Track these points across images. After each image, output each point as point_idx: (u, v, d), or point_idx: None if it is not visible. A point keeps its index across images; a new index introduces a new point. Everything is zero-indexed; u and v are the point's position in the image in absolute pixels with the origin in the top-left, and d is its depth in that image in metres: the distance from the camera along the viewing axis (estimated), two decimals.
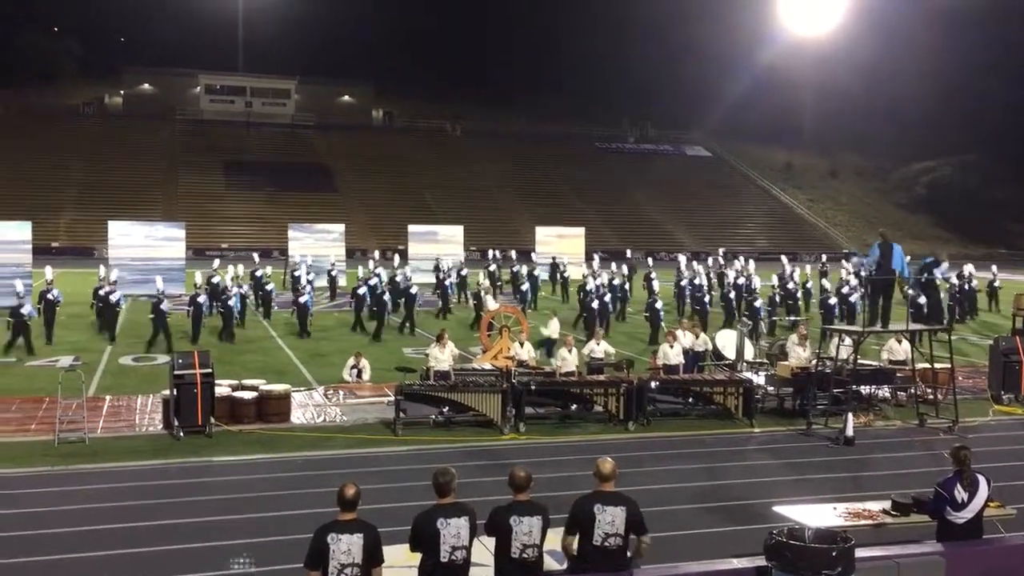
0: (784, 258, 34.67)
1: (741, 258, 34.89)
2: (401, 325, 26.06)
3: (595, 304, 25.59)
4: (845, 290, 27.73)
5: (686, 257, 35.48)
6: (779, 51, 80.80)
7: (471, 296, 27.81)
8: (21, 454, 12.65)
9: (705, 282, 29.13)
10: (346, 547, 5.96)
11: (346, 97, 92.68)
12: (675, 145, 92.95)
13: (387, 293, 26.44)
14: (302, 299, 25.31)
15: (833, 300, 26.68)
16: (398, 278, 28.21)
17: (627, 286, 30.31)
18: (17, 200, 58.75)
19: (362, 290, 26.61)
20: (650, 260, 37.28)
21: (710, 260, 38.49)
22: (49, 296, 23.27)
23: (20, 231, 31.82)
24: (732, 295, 28.14)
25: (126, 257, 34.44)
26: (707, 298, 27.79)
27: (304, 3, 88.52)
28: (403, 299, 27.13)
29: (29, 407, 15.57)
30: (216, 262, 29.42)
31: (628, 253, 41.98)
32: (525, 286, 30.96)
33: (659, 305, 25.14)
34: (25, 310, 21.40)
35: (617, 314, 28.36)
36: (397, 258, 33.64)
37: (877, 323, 15.38)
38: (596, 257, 35.77)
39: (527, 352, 17.37)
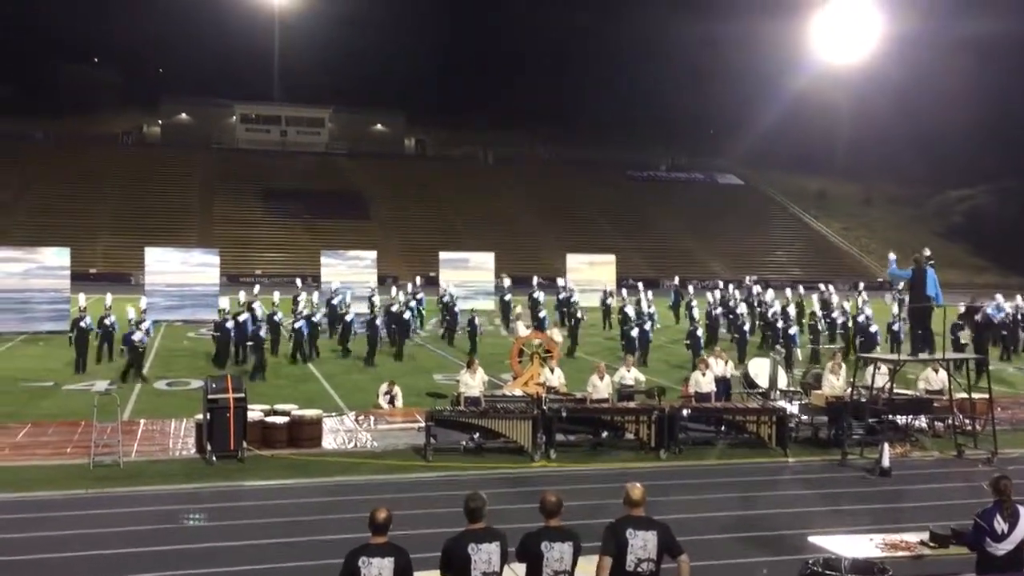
0: (831, 287, 34.19)
1: (780, 290, 34.32)
2: (398, 352, 26.17)
3: (634, 332, 25.35)
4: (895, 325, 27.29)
5: (719, 287, 35.10)
6: (812, 78, 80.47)
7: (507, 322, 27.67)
8: (57, 477, 12.80)
9: (745, 309, 28.84)
10: (377, 571, 5.95)
11: (379, 126, 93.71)
12: (706, 173, 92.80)
13: (378, 318, 26.54)
14: (296, 324, 25.41)
15: (874, 328, 26.35)
16: (394, 307, 27.98)
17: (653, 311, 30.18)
18: (56, 227, 59.95)
19: (349, 317, 26.96)
20: (691, 288, 36.98)
21: (754, 288, 37.91)
22: (82, 324, 23.47)
23: (59, 257, 32.40)
24: (779, 323, 27.74)
25: (161, 283, 34.91)
26: (746, 326, 27.53)
27: (337, 34, 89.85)
28: (395, 325, 27.18)
29: (65, 431, 15.76)
30: (256, 288, 29.54)
31: (676, 280, 41.73)
32: (543, 313, 30.62)
33: (700, 332, 25.08)
34: (136, 337, 21.89)
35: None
36: (396, 288, 33.56)
37: (922, 352, 15.18)
38: (641, 286, 35.39)
39: (558, 379, 17.30)
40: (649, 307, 29.14)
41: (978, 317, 21.87)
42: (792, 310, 28.46)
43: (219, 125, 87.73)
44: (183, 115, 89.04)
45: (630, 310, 27.23)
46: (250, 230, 70.33)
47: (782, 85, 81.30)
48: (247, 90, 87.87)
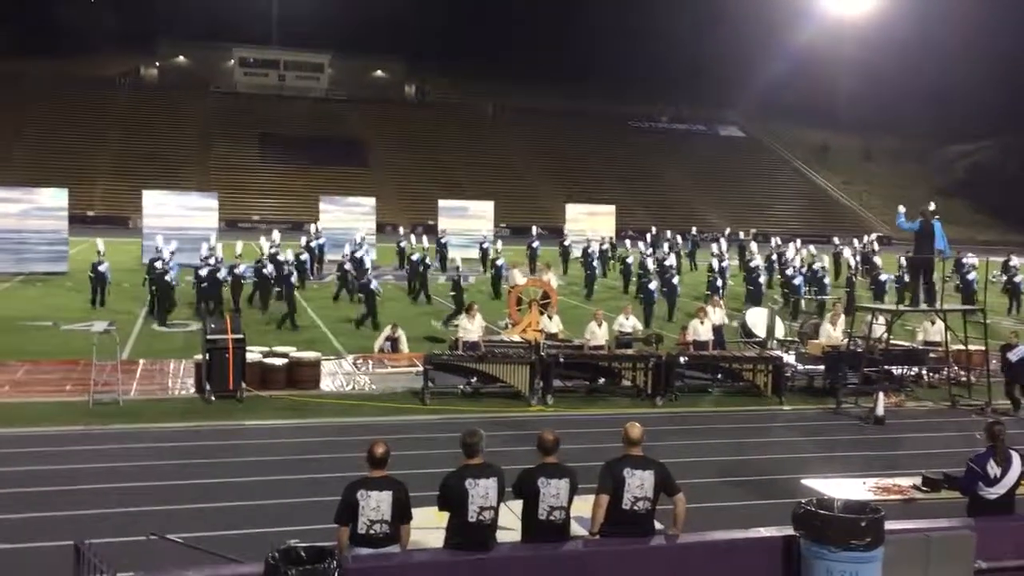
0: (856, 241, 34.42)
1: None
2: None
3: (652, 284, 24.14)
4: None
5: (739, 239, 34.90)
6: (817, 30, 79.57)
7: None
8: (57, 413, 12.89)
9: (761, 263, 28.62)
10: (375, 503, 6.02)
11: (379, 72, 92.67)
12: (709, 125, 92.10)
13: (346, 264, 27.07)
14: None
15: (884, 277, 26.44)
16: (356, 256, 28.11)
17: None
18: (53, 168, 59.58)
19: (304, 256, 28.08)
20: (723, 240, 36.38)
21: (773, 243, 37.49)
22: (100, 268, 23.37)
23: (56, 198, 32.24)
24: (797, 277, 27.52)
25: (159, 227, 34.65)
26: (762, 278, 27.43)
27: None
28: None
29: (64, 369, 15.83)
30: (275, 234, 29.18)
31: (693, 230, 41.57)
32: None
33: (719, 283, 25.18)
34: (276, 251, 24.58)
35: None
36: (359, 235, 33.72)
37: (920, 303, 15.23)
38: (678, 239, 34.95)
39: (556, 325, 17.35)
40: (665, 259, 28.92)
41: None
42: (798, 260, 28.44)
43: (217, 68, 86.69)
44: (181, 58, 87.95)
45: (650, 262, 26.80)
46: (248, 175, 69.95)
47: (787, 37, 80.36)
48: (245, 33, 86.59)
